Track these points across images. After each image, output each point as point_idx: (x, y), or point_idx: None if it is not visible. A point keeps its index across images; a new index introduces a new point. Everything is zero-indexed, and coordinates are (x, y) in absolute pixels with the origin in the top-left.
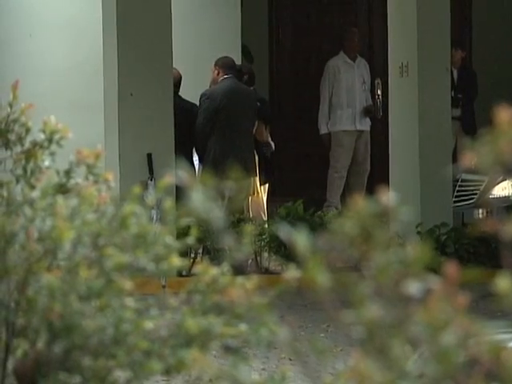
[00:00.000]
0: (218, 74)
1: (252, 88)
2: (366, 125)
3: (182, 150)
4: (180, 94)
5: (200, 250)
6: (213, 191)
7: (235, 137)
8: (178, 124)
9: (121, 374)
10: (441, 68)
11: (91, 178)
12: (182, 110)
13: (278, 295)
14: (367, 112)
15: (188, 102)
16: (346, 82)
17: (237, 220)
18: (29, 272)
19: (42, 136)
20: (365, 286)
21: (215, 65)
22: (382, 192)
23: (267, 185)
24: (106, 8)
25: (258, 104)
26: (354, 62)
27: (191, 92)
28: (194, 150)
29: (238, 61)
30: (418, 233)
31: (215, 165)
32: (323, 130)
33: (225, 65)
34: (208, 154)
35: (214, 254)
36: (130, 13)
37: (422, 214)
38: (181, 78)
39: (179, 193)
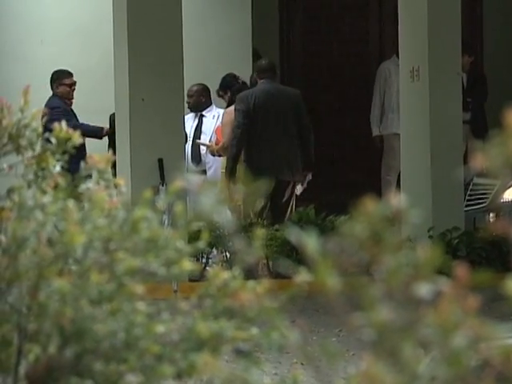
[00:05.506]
0: (257, 80)
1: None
2: None
3: None
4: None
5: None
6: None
7: (273, 139)
8: None
9: (132, 379)
10: (452, 72)
11: (102, 182)
12: None
13: (289, 299)
14: None
15: None
16: (397, 85)
17: (248, 224)
18: (40, 277)
19: (53, 141)
20: (376, 289)
21: (255, 71)
22: (393, 195)
23: None
24: (116, 14)
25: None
26: None
27: None
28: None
29: (249, 65)
30: (430, 237)
31: (254, 166)
32: (375, 132)
33: (259, 69)
34: (248, 156)
35: (229, 259)
36: (140, 18)
37: (434, 218)
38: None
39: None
